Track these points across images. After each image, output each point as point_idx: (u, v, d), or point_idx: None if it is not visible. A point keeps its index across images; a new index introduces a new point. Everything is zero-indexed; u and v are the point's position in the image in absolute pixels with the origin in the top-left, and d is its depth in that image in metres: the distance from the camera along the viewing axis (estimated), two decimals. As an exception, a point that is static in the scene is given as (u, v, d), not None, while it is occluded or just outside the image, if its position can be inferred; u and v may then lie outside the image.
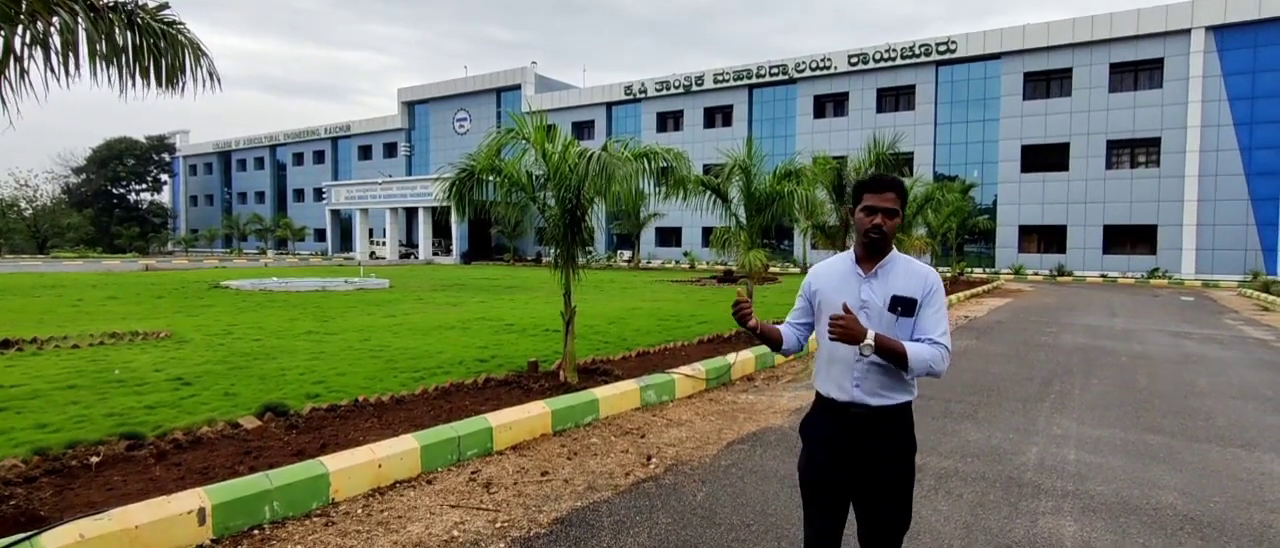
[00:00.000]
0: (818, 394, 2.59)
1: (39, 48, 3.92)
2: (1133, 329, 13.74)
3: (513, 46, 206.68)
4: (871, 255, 2.49)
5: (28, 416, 5.66)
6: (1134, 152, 33.78)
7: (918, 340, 2.41)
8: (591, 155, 6.86)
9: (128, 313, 13.68)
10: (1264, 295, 20.89)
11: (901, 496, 2.50)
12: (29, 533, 3.12)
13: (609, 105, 49.27)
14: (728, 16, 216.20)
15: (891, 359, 2.35)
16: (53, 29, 3.94)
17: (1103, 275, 33.23)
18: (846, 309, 2.33)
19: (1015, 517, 4.15)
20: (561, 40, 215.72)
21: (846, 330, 2.30)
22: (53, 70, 3.98)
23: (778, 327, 2.64)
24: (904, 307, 2.41)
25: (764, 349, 9.17)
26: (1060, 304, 19.60)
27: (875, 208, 2.45)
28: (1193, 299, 22.25)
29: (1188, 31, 31.37)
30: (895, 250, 2.54)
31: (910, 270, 2.49)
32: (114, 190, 68.24)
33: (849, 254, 2.57)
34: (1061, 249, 35.06)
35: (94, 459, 4.51)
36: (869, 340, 2.30)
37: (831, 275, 2.57)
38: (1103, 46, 33.38)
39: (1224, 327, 14.53)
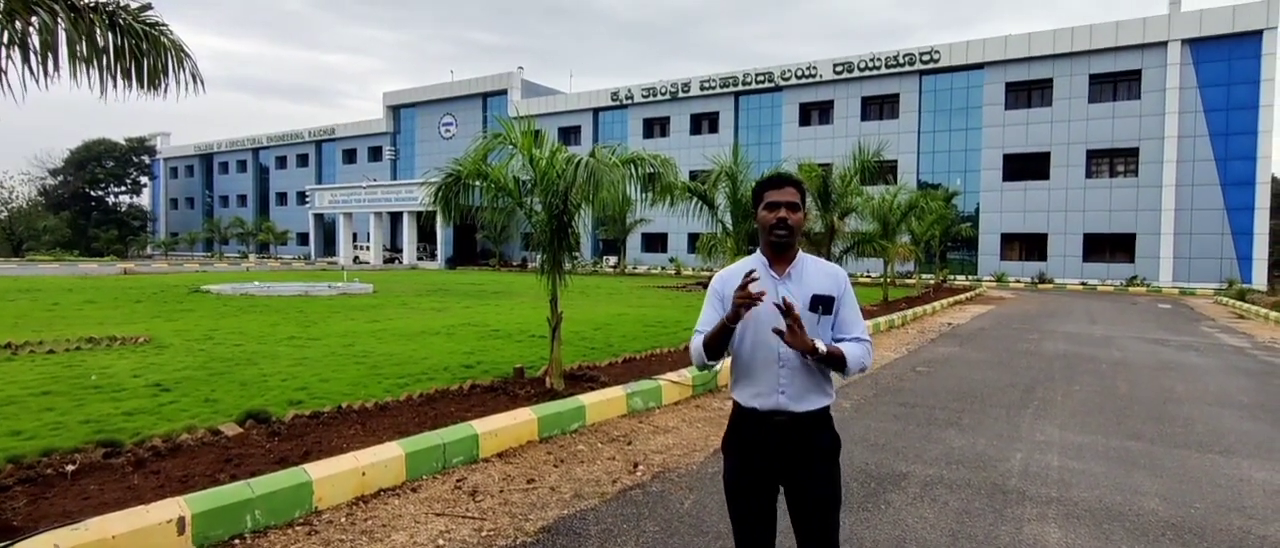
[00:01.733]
0: (737, 405, 2.51)
1: (16, 48, 3.84)
2: (1112, 336, 13.93)
3: (499, 51, 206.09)
4: (780, 255, 2.47)
5: (1, 423, 5.54)
6: (1113, 161, 34.33)
7: (841, 340, 2.43)
8: (579, 161, 6.85)
9: (105, 318, 13.46)
10: (1239, 303, 21.28)
11: (824, 500, 2.43)
12: (2, 544, 3.05)
13: (596, 111, 49.33)
14: (714, 21, 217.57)
15: (833, 364, 2.36)
16: (32, 29, 3.86)
17: (1083, 283, 33.69)
18: (792, 314, 2.25)
19: (1000, 524, 4.18)
20: (548, 45, 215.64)
21: (801, 340, 2.26)
22: (31, 71, 3.90)
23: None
24: (825, 306, 2.41)
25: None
26: (1042, 311, 19.83)
27: (778, 203, 2.43)
28: (1170, 307, 22.61)
29: (1165, 44, 31.99)
30: (801, 251, 2.53)
31: (821, 269, 2.49)
32: (92, 193, 67.41)
33: (757, 258, 2.54)
34: (1042, 257, 35.52)
35: (70, 468, 4.42)
36: (821, 347, 2.29)
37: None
38: (1082, 58, 33.94)
39: (1201, 334, 14.76)
